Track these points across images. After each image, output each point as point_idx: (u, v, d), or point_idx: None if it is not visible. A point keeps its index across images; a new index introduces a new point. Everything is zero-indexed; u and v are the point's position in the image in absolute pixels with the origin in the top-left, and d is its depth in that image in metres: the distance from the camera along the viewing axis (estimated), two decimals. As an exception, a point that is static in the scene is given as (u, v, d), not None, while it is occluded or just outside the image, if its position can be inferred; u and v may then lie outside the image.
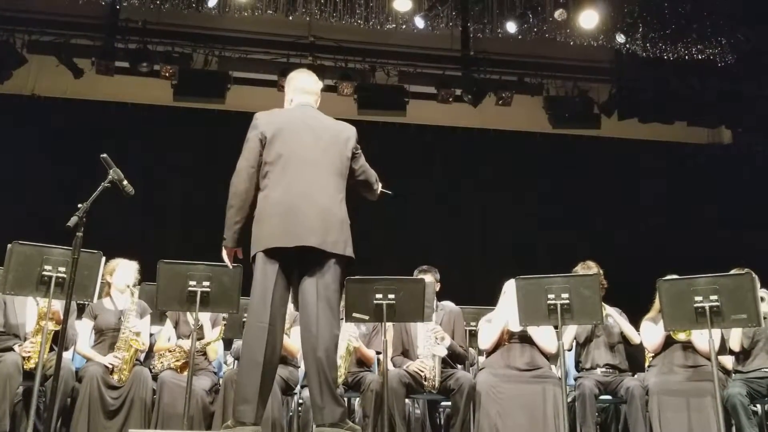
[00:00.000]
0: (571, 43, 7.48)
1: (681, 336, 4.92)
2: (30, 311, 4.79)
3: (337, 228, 3.47)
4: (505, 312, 5.07)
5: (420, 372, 4.94)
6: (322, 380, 3.33)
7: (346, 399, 4.96)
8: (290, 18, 7.37)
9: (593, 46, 7.53)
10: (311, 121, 3.65)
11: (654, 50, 7.48)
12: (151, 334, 5.25)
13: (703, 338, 4.76)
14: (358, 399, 5.23)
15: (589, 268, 5.26)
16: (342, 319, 4.44)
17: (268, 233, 3.43)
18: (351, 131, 3.70)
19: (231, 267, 3.66)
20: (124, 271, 5.14)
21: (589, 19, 7.29)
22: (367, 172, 3.75)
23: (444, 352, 4.95)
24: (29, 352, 4.61)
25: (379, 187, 3.84)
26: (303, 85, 3.79)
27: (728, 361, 5.03)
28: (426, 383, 4.93)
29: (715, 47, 7.49)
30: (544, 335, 5.04)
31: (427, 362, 4.96)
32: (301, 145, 3.54)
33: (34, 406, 4.09)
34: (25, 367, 4.56)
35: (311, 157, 3.53)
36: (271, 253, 3.42)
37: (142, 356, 5.08)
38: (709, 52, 7.52)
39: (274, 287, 3.40)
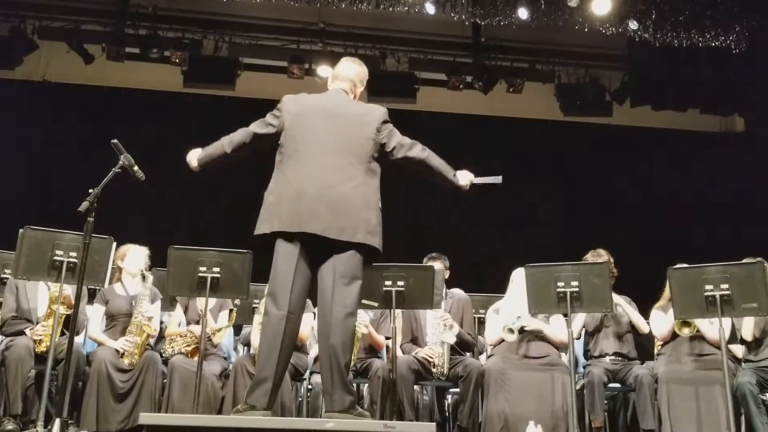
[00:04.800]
0: (584, 30, 7.41)
1: (685, 331, 4.87)
2: (42, 296, 4.83)
3: (350, 214, 3.41)
4: (512, 306, 5.07)
5: (429, 359, 4.95)
6: (333, 367, 3.34)
7: (354, 385, 4.98)
8: (300, 4, 7.34)
9: (605, 33, 7.46)
10: (332, 105, 3.62)
11: (667, 37, 7.40)
12: (161, 322, 5.28)
13: (713, 327, 4.74)
14: (366, 385, 5.25)
15: (599, 255, 5.24)
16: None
17: (277, 216, 3.43)
18: (377, 112, 3.62)
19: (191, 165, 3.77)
20: (134, 257, 5.16)
21: (601, 6, 7.23)
22: (409, 148, 3.59)
23: (453, 339, 4.95)
24: (40, 335, 4.65)
25: (452, 174, 3.76)
26: (338, 72, 3.79)
27: (738, 350, 5.00)
28: (435, 370, 4.94)
29: (728, 34, 7.41)
30: (555, 329, 5.03)
31: (435, 349, 4.97)
32: (316, 130, 3.53)
33: (46, 389, 4.13)
34: (36, 350, 4.60)
35: (325, 142, 3.50)
36: (291, 238, 3.42)
37: (153, 341, 5.11)
38: (723, 40, 7.44)
39: (295, 273, 3.40)
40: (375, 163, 3.57)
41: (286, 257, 3.42)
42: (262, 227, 3.47)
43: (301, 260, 3.42)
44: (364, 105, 3.72)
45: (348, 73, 3.77)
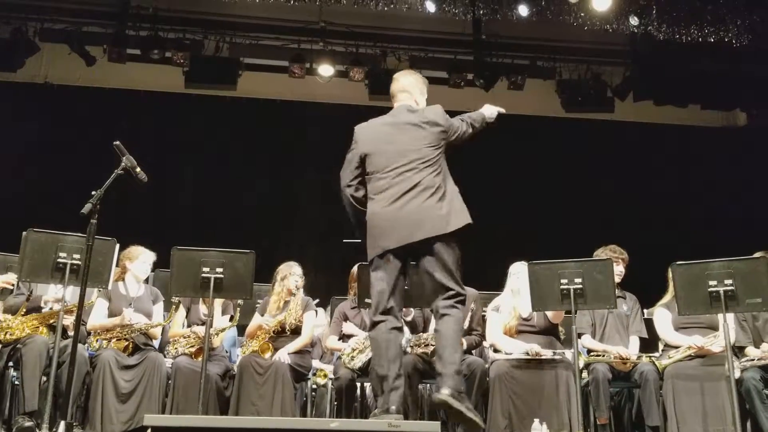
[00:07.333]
0: (585, 25, 7.39)
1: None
2: (51, 292, 4.84)
3: (434, 215, 3.72)
4: (512, 299, 5.07)
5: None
6: None
7: (359, 384, 4.98)
8: (301, 3, 7.33)
9: (606, 28, 7.44)
10: (394, 126, 3.86)
11: (668, 32, 7.38)
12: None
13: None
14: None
15: (614, 252, 5.17)
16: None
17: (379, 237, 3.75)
18: (433, 114, 3.88)
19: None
20: (143, 262, 5.20)
21: (602, 2, 7.20)
22: (463, 131, 3.99)
23: None
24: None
25: (486, 119, 4.14)
26: (398, 87, 4.01)
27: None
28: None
29: (730, 29, 7.38)
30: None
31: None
32: (387, 156, 3.80)
33: (51, 391, 4.13)
34: None
35: (395, 164, 3.77)
36: (383, 255, 3.73)
37: (155, 342, 5.12)
38: (724, 34, 7.42)
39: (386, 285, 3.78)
40: (440, 158, 3.87)
41: (382, 272, 3.76)
42: (373, 251, 3.76)
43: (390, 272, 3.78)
44: (423, 111, 3.95)
45: (405, 84, 4.00)
